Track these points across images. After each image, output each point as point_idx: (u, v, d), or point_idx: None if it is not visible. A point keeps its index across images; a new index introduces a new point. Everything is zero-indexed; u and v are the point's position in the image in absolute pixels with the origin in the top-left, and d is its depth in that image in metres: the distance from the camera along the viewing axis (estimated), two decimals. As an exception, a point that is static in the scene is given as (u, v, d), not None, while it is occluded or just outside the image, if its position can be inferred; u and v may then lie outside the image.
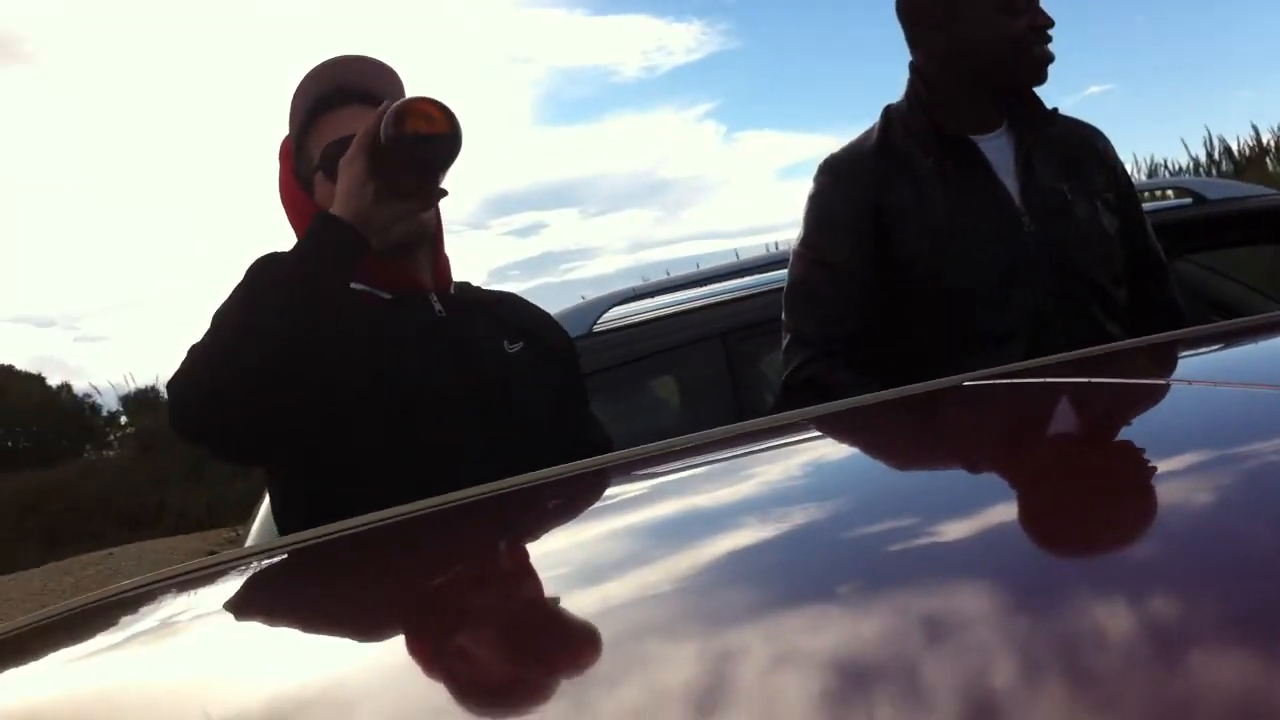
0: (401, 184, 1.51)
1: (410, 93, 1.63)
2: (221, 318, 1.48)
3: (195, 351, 1.48)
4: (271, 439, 1.51)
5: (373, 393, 1.54)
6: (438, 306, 1.68)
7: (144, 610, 0.95)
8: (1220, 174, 11.09)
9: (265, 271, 1.49)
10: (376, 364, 1.55)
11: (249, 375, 1.42)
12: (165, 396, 1.54)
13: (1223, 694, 0.40)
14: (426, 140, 1.48)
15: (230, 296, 1.50)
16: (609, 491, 1.01)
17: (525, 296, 1.88)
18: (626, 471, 1.04)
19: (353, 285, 1.56)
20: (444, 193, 1.56)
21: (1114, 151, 2.18)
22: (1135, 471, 0.73)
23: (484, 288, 1.84)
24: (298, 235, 1.66)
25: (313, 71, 1.71)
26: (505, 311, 1.78)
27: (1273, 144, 12.23)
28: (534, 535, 0.92)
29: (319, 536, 1.00)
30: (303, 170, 1.72)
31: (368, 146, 1.49)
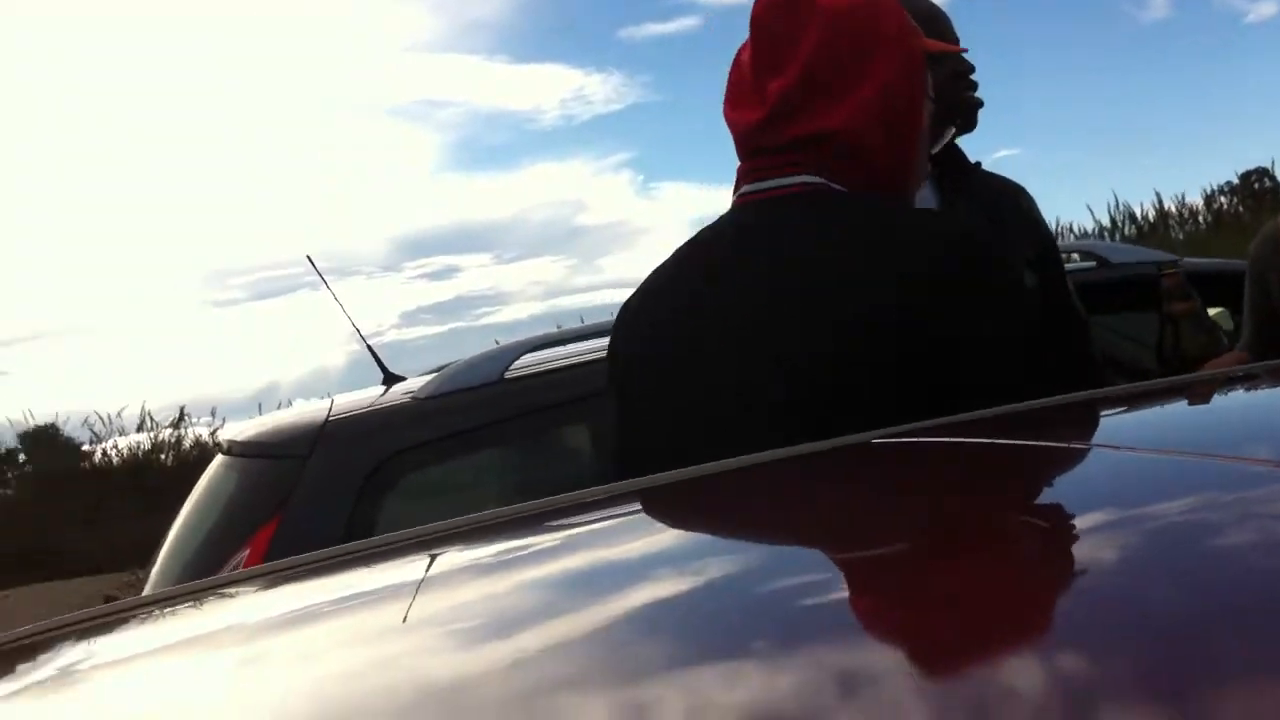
0: None
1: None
2: None
3: None
4: None
5: None
6: None
7: (40, 659, 0.92)
8: (1124, 239, 11.39)
9: None
10: None
11: None
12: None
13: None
14: None
15: None
16: (519, 544, 1.00)
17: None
18: (538, 523, 1.04)
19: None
20: None
21: (1037, 209, 2.21)
22: (1040, 533, 0.74)
23: None
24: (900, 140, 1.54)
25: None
26: None
27: (1175, 211, 12.64)
28: (444, 584, 0.90)
29: (214, 585, 0.98)
30: (926, 88, 1.60)
31: None
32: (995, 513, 0.82)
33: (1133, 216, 12.43)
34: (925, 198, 2.01)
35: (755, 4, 1.56)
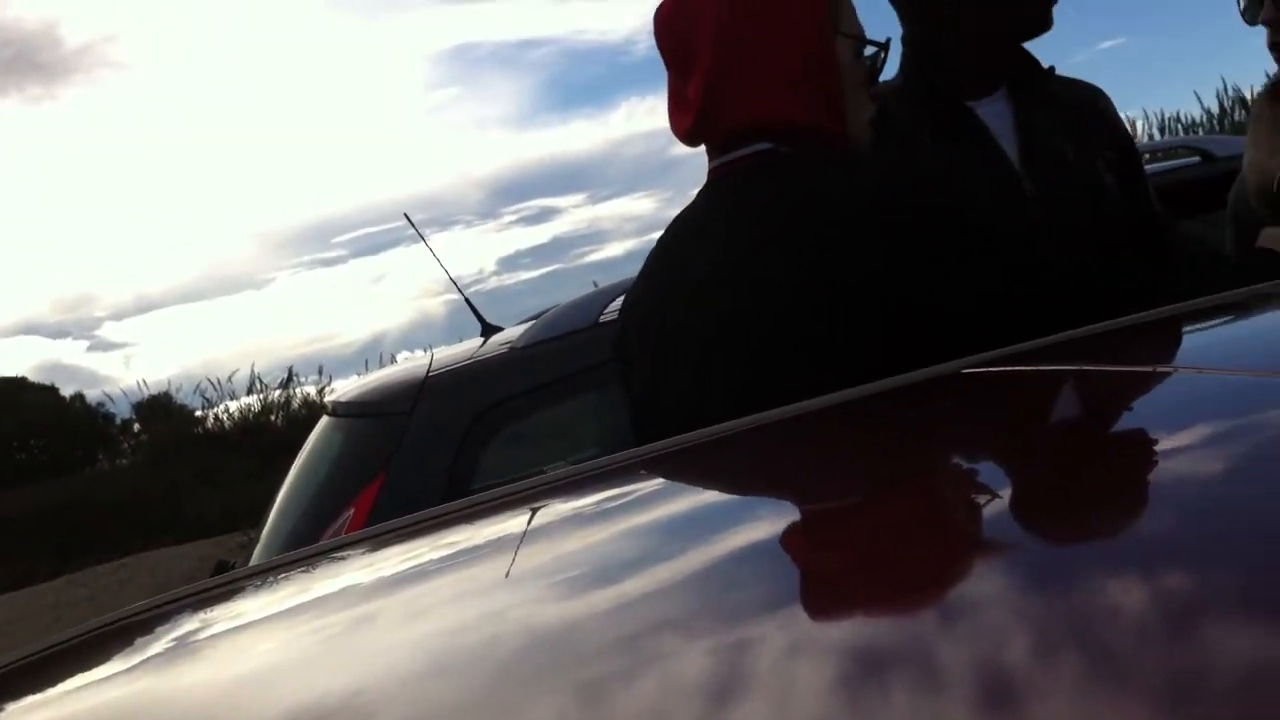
0: None
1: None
2: None
3: None
4: None
5: None
6: None
7: (158, 631, 0.96)
8: (1235, 123, 10.99)
9: None
10: None
11: None
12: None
13: (1232, 668, 0.41)
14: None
15: None
16: (619, 490, 1.01)
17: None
18: (635, 470, 1.05)
19: None
20: None
21: (1115, 110, 2.16)
22: (1139, 461, 0.73)
23: None
24: (783, 69, 1.55)
25: None
26: None
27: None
28: (545, 537, 0.92)
29: (322, 550, 1.01)
30: (838, 25, 1.60)
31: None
32: (1093, 442, 0.81)
33: (1243, 99, 11.87)
34: (999, 112, 1.98)
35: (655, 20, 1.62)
